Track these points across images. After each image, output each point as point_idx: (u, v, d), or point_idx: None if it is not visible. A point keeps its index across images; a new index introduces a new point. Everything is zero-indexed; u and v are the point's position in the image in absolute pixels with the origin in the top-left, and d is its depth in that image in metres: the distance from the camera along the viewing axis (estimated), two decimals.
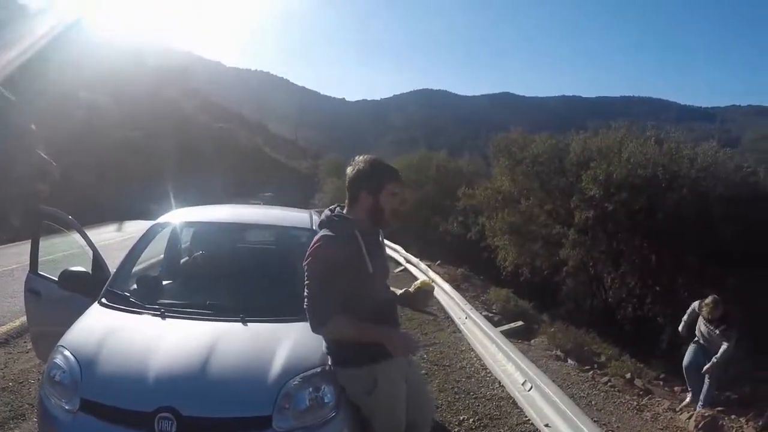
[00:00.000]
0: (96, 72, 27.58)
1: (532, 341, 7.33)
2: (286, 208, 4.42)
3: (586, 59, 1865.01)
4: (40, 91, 19.57)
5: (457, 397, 4.69)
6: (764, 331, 10.45)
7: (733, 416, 6.03)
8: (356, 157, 2.33)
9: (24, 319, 4.95)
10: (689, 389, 6.05)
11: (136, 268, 3.44)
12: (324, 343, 2.35)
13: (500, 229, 16.20)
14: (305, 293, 2.17)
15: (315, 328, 2.20)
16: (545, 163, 15.07)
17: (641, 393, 5.86)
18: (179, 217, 3.86)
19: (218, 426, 2.20)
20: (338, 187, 29.29)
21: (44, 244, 3.80)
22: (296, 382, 2.32)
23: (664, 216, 12.32)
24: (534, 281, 15.33)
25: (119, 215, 20.55)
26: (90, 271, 3.41)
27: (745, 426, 5.75)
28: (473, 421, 4.20)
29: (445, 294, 8.01)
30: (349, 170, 2.29)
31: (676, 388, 6.81)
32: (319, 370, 2.38)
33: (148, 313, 2.77)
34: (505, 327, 7.40)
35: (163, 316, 2.73)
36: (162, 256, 4.26)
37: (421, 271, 10.40)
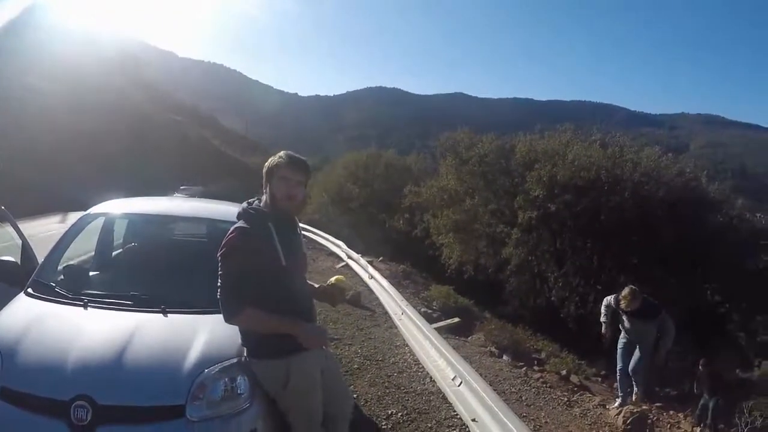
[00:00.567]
0: (47, 58, 26.29)
1: (469, 338, 7.30)
2: (221, 202, 4.31)
3: (540, 63, 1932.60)
4: None
5: (387, 391, 4.63)
6: (704, 329, 10.81)
7: (671, 412, 6.08)
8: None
9: None
10: (620, 394, 5.82)
11: (75, 261, 3.45)
12: (240, 335, 2.37)
13: (445, 227, 16.28)
14: (218, 284, 2.20)
15: (227, 319, 2.23)
16: (491, 163, 15.26)
17: (574, 389, 5.84)
18: (111, 208, 3.80)
19: (132, 414, 2.23)
20: None
21: None
22: (211, 373, 2.35)
23: (607, 218, 12.59)
24: (478, 279, 15.40)
25: (64, 205, 19.41)
26: (19, 262, 3.44)
27: (682, 421, 5.79)
28: (402, 415, 4.17)
29: (383, 290, 7.91)
30: None
31: (615, 385, 6.76)
32: (235, 361, 2.41)
33: (72, 304, 2.80)
34: (441, 323, 7.35)
35: (85, 306, 2.76)
36: None
37: (362, 267, 10.16)
